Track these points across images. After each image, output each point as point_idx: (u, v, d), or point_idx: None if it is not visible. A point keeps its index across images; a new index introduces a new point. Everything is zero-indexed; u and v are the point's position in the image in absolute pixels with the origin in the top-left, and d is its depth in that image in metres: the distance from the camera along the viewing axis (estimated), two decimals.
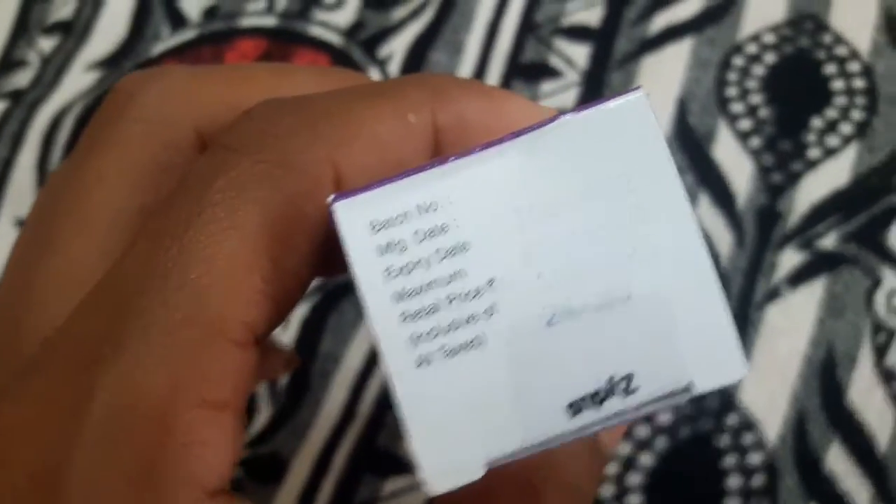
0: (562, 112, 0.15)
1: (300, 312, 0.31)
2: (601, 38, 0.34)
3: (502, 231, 0.15)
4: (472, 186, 0.15)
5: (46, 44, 0.35)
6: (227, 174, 0.15)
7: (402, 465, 0.29)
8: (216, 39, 0.35)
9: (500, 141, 0.15)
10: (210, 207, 0.15)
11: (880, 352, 0.29)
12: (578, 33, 0.34)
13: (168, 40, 0.35)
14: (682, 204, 0.15)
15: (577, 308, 0.15)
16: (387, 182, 0.15)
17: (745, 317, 0.30)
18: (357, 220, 0.14)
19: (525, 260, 0.15)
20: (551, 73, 0.34)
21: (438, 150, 0.17)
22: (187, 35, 0.35)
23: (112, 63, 0.34)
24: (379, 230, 0.14)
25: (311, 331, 0.31)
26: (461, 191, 0.15)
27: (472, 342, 0.15)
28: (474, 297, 0.15)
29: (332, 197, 0.14)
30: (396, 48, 0.34)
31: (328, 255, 0.16)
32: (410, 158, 0.16)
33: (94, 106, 0.34)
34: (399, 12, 0.35)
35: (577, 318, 0.15)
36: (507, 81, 0.34)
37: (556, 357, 0.15)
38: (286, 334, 0.31)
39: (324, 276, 0.20)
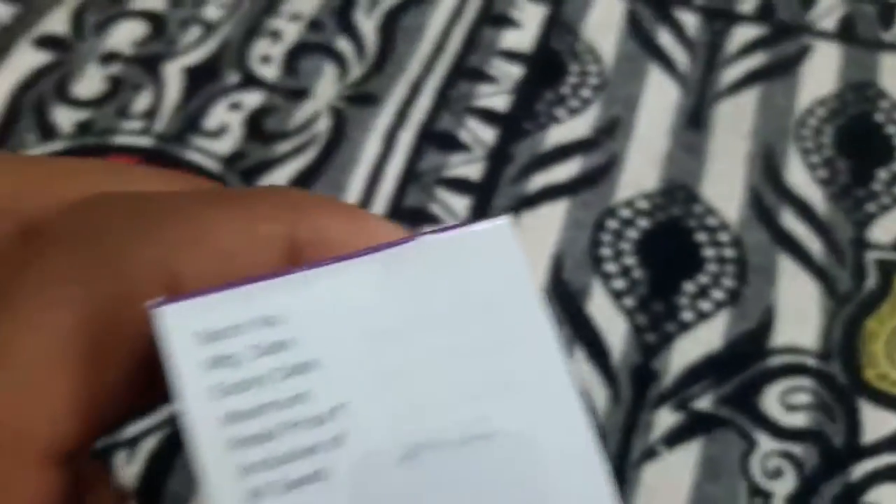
0: (424, 231, 0.14)
1: (148, 444, 0.27)
2: (481, 192, 0.34)
3: (355, 352, 0.13)
4: (322, 301, 0.13)
5: None
6: (41, 268, 0.14)
7: None
8: (86, 154, 0.33)
9: (355, 255, 0.14)
10: (20, 302, 0.13)
11: None
12: (460, 185, 0.34)
13: (33, 149, 0.33)
14: (547, 335, 0.14)
15: (435, 442, 0.13)
16: (222, 289, 0.13)
17: (622, 476, 0.28)
18: (182, 328, 0.13)
19: (378, 386, 0.13)
20: (432, 220, 0.33)
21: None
22: (55, 146, 0.33)
23: None
24: (208, 342, 0.13)
25: (159, 466, 0.27)
26: (308, 304, 0.13)
27: (314, 475, 0.13)
28: (319, 424, 0.13)
29: (153, 301, 0.13)
30: (276, 181, 0.33)
31: (156, 372, 0.14)
32: (259, 271, 0.15)
33: None
34: (283, 146, 0.34)
35: (434, 454, 0.13)
36: None
37: (410, 497, 0.13)
38: (130, 467, 0.27)
39: (151, 400, 0.17)
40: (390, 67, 0.37)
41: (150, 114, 0.35)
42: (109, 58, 0.36)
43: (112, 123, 0.34)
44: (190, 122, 0.35)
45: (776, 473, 0.28)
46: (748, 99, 0.37)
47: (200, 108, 0.35)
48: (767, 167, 0.35)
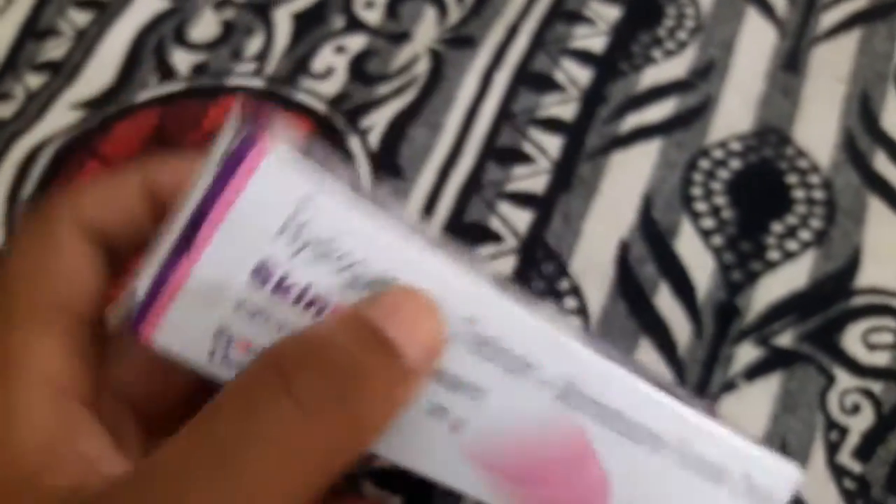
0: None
1: None
2: (574, 132, 0.37)
3: None
4: None
5: (34, 80, 0.37)
6: None
7: None
8: (202, 94, 0.37)
9: None
10: None
11: (832, 449, 0.30)
12: (552, 125, 0.37)
13: (154, 89, 0.37)
14: None
15: None
16: None
17: None
18: None
19: None
20: (524, 158, 0.36)
21: None
22: (174, 87, 0.37)
23: (96, 104, 0.37)
24: None
25: None
26: None
27: None
28: None
29: None
30: (378, 121, 0.37)
31: None
32: None
33: (72, 144, 0.36)
34: (383, 88, 0.38)
35: None
36: (481, 162, 0.36)
37: None
38: None
39: None
40: (488, 11, 0.40)
41: (261, 57, 0.39)
42: (223, 4, 0.40)
43: (226, 66, 0.38)
44: (298, 64, 0.38)
45: (854, 409, 0.31)
46: (846, 43, 0.38)
47: (308, 52, 0.39)
48: (863, 111, 0.37)
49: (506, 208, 0.35)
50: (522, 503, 0.21)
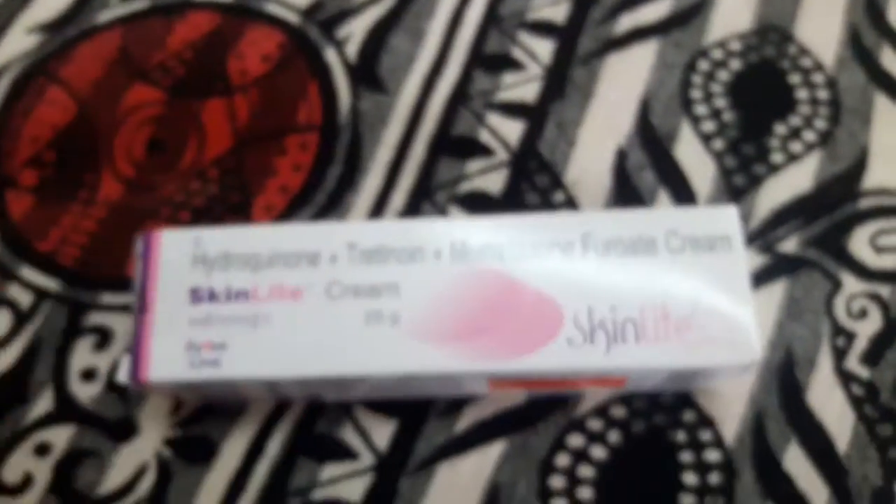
0: None
1: None
2: (566, 35, 0.35)
3: None
4: None
5: None
6: None
7: (340, 450, 0.29)
8: (167, 11, 0.35)
9: None
10: None
11: (839, 354, 0.30)
12: (543, 28, 0.36)
13: (116, 8, 0.35)
14: None
15: None
16: None
17: None
18: None
19: None
20: (514, 65, 0.35)
21: None
22: (137, 5, 0.35)
23: (54, 27, 0.35)
24: None
25: None
26: None
27: None
28: None
29: None
30: (355, 30, 0.35)
31: None
32: None
33: (30, 70, 0.35)
34: None
35: None
36: (468, 70, 0.35)
37: None
38: None
39: None
40: None
41: None
42: None
43: None
44: None
45: (861, 314, 0.30)
46: None
47: None
48: (869, 5, 0.35)
49: (496, 119, 0.34)
50: (488, 356, 0.24)
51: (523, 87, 0.35)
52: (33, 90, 0.35)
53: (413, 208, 0.32)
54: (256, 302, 0.25)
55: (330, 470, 0.29)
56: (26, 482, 0.29)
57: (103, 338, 0.31)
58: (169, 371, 0.25)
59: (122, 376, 0.25)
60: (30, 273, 0.32)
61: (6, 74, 0.34)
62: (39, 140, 0.34)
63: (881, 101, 0.34)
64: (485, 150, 0.33)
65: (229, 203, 0.33)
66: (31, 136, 0.34)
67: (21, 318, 0.31)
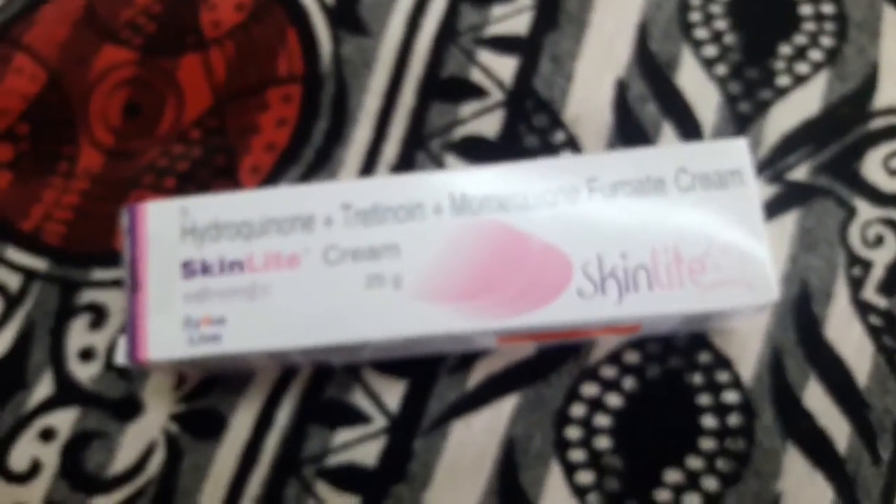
0: None
1: None
2: None
3: None
4: None
5: None
6: None
7: (352, 415, 0.29)
8: None
9: None
10: None
11: (856, 284, 0.29)
12: None
13: None
14: None
15: None
16: None
17: None
18: None
19: None
20: None
21: None
22: None
23: None
24: None
25: None
26: None
27: None
28: None
29: None
30: None
31: None
32: None
33: None
34: None
35: None
36: (454, 4, 0.33)
37: None
38: None
39: None
40: None
41: None
42: None
43: None
44: None
45: (877, 241, 0.30)
46: None
47: None
48: None
49: (487, 56, 0.33)
50: (496, 313, 0.24)
51: (514, 18, 0.33)
52: None
53: (406, 159, 0.32)
54: (252, 272, 0.25)
55: (342, 435, 0.29)
56: (34, 469, 0.29)
57: (98, 315, 0.30)
58: (167, 350, 0.25)
59: (121, 358, 0.25)
60: (15, 254, 0.31)
61: None
62: (10, 112, 0.33)
63: (890, 13, 0.33)
64: (478, 91, 0.32)
65: (214, 166, 0.32)
66: (2, 109, 0.33)
67: (11, 302, 0.31)
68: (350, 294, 0.24)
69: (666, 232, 0.24)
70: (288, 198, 0.25)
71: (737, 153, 0.25)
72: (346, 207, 0.25)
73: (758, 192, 0.25)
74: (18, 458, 0.29)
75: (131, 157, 0.32)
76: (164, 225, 0.25)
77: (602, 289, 0.24)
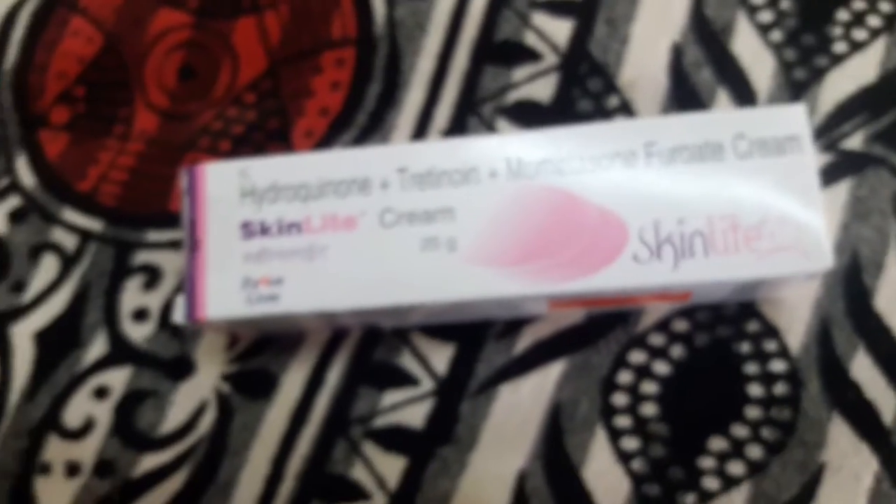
0: None
1: None
2: None
3: None
4: None
5: None
6: None
7: (400, 377, 0.30)
8: None
9: None
10: None
11: None
12: None
13: None
14: None
15: None
16: None
17: None
18: None
19: None
20: None
21: None
22: None
23: None
24: None
25: None
26: None
27: None
28: None
29: None
30: None
31: None
32: None
33: (51, 0, 0.34)
34: None
35: None
36: None
37: None
38: None
39: None
40: None
41: None
42: None
43: None
44: None
45: None
46: None
47: None
48: None
49: (541, 19, 0.33)
50: (551, 278, 0.24)
51: None
52: (55, 22, 0.34)
53: (458, 123, 0.32)
54: (310, 233, 0.25)
55: (391, 397, 0.30)
56: (88, 425, 0.30)
57: (152, 276, 0.31)
58: (226, 308, 0.25)
59: (178, 316, 0.25)
60: (72, 215, 0.32)
61: (25, 7, 0.33)
62: (67, 75, 0.33)
63: None
64: (532, 55, 0.32)
65: (268, 129, 0.32)
66: (58, 72, 0.34)
67: (67, 262, 0.32)
68: (405, 257, 0.25)
69: (723, 199, 0.24)
70: (345, 161, 0.26)
71: (795, 119, 0.25)
72: (402, 171, 0.26)
73: (815, 159, 0.25)
74: (73, 414, 0.30)
75: (186, 120, 0.33)
76: (223, 186, 0.26)
77: (658, 254, 0.24)
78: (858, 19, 0.32)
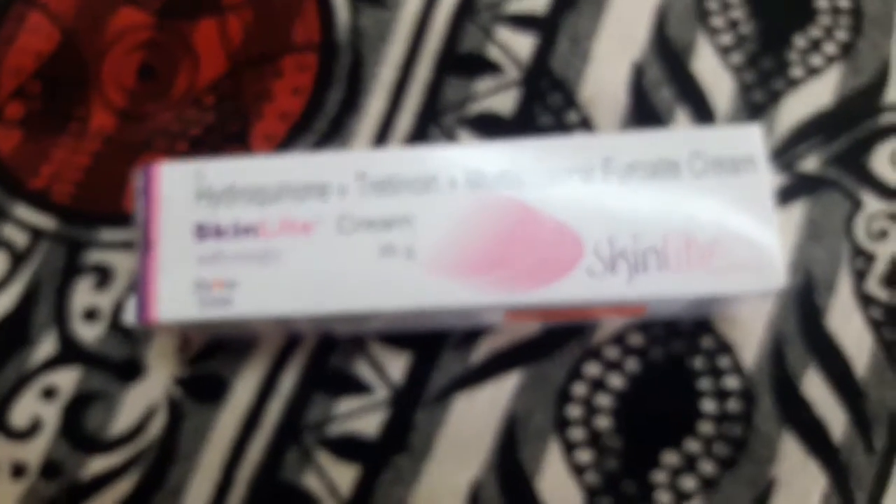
0: None
1: None
2: None
3: None
4: None
5: None
6: None
7: (355, 385, 0.30)
8: None
9: None
10: None
11: (859, 276, 0.30)
12: None
13: None
14: None
15: None
16: None
17: None
18: None
19: None
20: None
21: None
22: None
23: None
24: None
25: None
26: None
27: None
28: None
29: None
30: None
31: None
32: None
33: None
34: None
35: None
36: None
37: None
38: None
39: None
40: None
41: None
42: None
43: None
44: None
45: (881, 234, 0.31)
46: None
47: None
48: None
49: (505, 34, 0.34)
50: (507, 288, 0.25)
51: None
52: (12, 18, 0.34)
53: (420, 132, 0.32)
54: (266, 237, 0.25)
55: (345, 404, 0.30)
56: (35, 426, 0.30)
57: (104, 276, 0.31)
58: (178, 311, 0.25)
59: (129, 317, 0.25)
60: (23, 212, 0.32)
61: None
62: (23, 71, 0.33)
63: None
64: (494, 68, 0.33)
65: (227, 132, 0.32)
66: (15, 67, 0.33)
67: (18, 259, 0.31)
68: (362, 263, 0.25)
69: (678, 216, 0.25)
70: (304, 165, 0.26)
71: (750, 139, 0.26)
72: (361, 177, 0.26)
73: (770, 179, 0.25)
74: (20, 415, 0.30)
75: (144, 120, 0.33)
76: (178, 187, 0.26)
77: (612, 268, 0.25)
78: (815, 46, 0.33)
